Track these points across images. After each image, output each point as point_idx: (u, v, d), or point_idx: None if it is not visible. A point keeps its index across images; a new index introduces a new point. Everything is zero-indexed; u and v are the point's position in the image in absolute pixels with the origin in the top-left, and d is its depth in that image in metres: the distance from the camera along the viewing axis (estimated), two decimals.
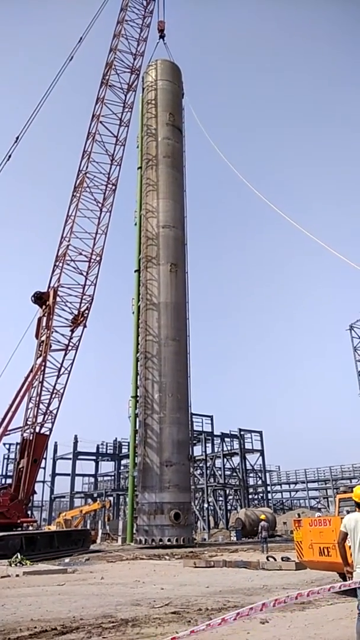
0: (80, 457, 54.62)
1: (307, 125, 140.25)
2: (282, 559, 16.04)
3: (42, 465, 51.43)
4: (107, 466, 61.66)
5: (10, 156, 27.75)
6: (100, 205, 30.42)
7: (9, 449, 59.39)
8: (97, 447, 57.36)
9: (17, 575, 13.94)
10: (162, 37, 39.23)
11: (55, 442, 54.54)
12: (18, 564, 15.49)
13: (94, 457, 58.11)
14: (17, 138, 28.34)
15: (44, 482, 54.16)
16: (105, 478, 62.54)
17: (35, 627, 6.96)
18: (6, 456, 60.83)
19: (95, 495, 53.17)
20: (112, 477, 58.65)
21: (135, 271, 32.12)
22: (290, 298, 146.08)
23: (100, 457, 58.66)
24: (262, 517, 23.17)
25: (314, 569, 12.65)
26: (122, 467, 55.58)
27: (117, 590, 11.10)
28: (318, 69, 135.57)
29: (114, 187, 31.23)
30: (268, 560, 16.19)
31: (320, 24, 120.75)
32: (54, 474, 55.27)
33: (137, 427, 28.60)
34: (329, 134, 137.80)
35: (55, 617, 7.82)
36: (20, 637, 6.48)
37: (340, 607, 9.03)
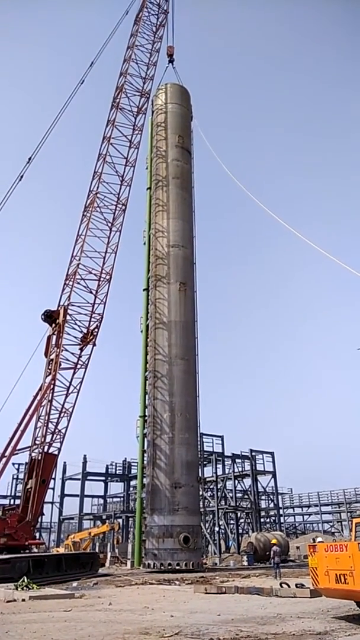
0: (89, 477, 54.02)
1: (318, 140, 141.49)
2: (296, 585, 15.48)
3: (51, 485, 50.94)
4: (116, 487, 60.86)
5: (22, 177, 28.21)
6: (110, 224, 30.71)
7: (18, 469, 59.00)
8: (107, 468, 56.70)
9: (23, 600, 13.57)
10: (171, 61, 40.31)
11: (64, 462, 54.20)
12: (24, 588, 15.12)
13: (103, 478, 57.43)
14: (30, 159, 28.85)
15: (52, 503, 53.54)
16: (115, 499, 61.66)
17: None
18: (15, 476, 60.36)
19: (104, 517, 52.33)
20: (122, 499, 57.80)
21: (144, 290, 32.21)
22: (297, 314, 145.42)
23: (109, 478, 57.96)
24: (274, 541, 22.49)
25: (329, 597, 12.15)
26: (131, 488, 54.78)
27: (125, 617, 10.72)
28: (328, 80, 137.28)
29: (123, 207, 31.57)
30: (281, 586, 15.64)
31: (333, 37, 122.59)
32: (62, 495, 54.65)
33: (146, 447, 28.22)
34: (343, 149, 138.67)
35: None
36: None
37: (357, 638, 8.59)
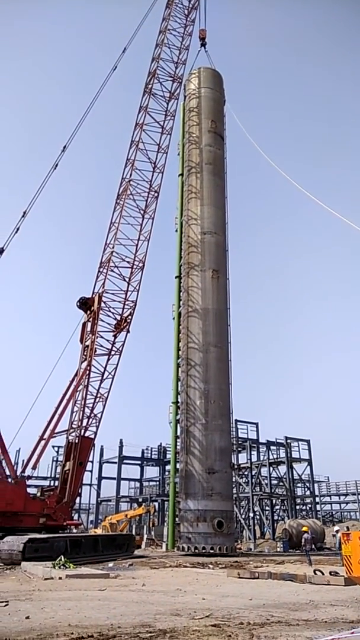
0: (125, 461, 55.13)
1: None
2: (330, 573, 15.34)
3: (89, 468, 52.37)
4: (152, 471, 61.90)
5: (57, 165, 28.65)
6: (142, 212, 30.75)
7: (57, 452, 60.81)
8: (142, 452, 57.67)
9: (60, 578, 14.04)
10: (203, 45, 39.59)
11: (102, 446, 55.46)
12: (61, 567, 15.62)
13: (139, 462, 58.46)
14: (65, 147, 29.29)
15: (90, 485, 55.04)
16: (151, 483, 62.74)
17: (72, 633, 6.88)
18: (55, 458, 62.25)
19: (140, 499, 53.39)
20: (157, 482, 58.75)
21: (176, 277, 32.18)
22: (335, 298, 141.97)
23: (145, 462, 58.94)
24: (305, 528, 22.30)
25: None
26: (166, 473, 55.50)
27: (158, 598, 10.91)
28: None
29: (156, 194, 31.51)
30: (315, 574, 15.53)
31: None
32: (100, 478, 56.01)
33: (179, 434, 28.47)
34: None
35: (94, 623, 7.72)
36: None
37: None
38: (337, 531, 21.02)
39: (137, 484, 61.18)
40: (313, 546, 21.49)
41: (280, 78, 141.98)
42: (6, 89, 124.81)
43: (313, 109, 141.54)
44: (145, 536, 35.51)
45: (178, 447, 28.39)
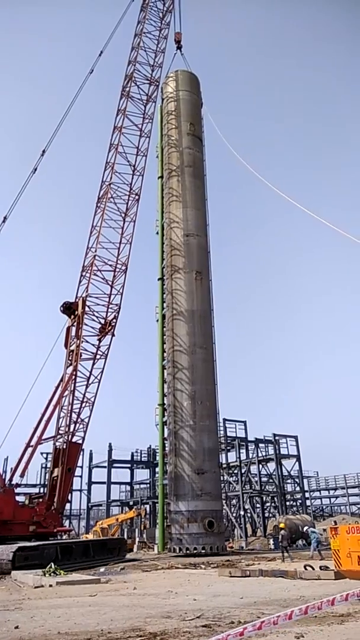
0: (115, 465, 54.92)
1: (329, 121, 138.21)
2: (320, 568, 15.50)
3: (78, 473, 52.05)
4: (142, 474, 61.79)
5: (36, 169, 28.48)
6: (123, 215, 30.70)
7: (46, 458, 60.29)
8: (132, 455, 57.51)
9: (51, 585, 13.93)
10: (179, 47, 39.80)
11: (91, 451, 55.15)
12: (52, 574, 15.51)
13: (128, 465, 58.28)
14: (43, 151, 29.11)
15: (80, 490, 54.70)
16: (142, 486, 62.60)
17: None
18: (44, 465, 61.71)
19: (131, 503, 53.23)
20: (148, 485, 58.63)
21: (158, 279, 32.24)
22: (321, 297, 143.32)
23: (135, 465, 58.78)
24: (282, 525, 22.56)
25: (353, 579, 12.13)
26: (156, 475, 55.42)
27: (149, 601, 10.90)
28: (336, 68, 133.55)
29: (137, 197, 31.50)
30: (306, 569, 15.67)
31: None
32: (90, 482, 55.71)
33: (167, 435, 28.50)
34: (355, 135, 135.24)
35: (83, 629, 7.69)
36: None
37: None
38: (312, 532, 21.49)
39: (128, 487, 60.99)
40: (301, 541, 21.74)
41: (255, 78, 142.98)
42: None
43: (291, 108, 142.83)
44: (137, 539, 35.42)
45: (166, 449, 28.41)
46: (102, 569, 19.22)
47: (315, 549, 21.06)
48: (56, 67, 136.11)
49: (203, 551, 24.57)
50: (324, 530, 40.88)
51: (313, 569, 15.60)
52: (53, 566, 16.36)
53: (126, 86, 33.59)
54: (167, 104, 36.10)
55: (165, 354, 30.07)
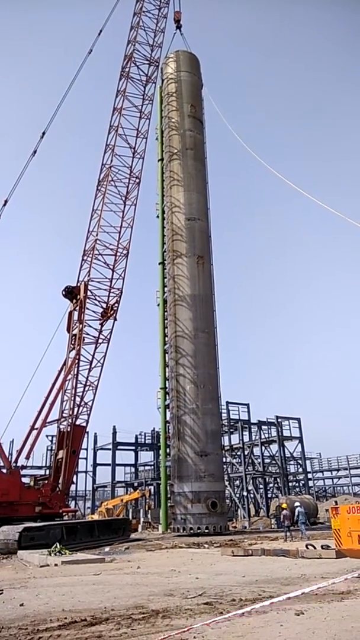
0: (119, 447, 55.48)
1: (328, 105, 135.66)
2: (322, 547, 15.69)
3: (84, 455, 52.67)
4: (146, 456, 62.46)
5: (35, 152, 28.19)
6: (124, 198, 30.44)
7: (51, 441, 60.94)
8: (136, 438, 58.09)
9: (56, 565, 14.20)
10: (178, 27, 38.90)
11: (95, 433, 55.73)
12: (57, 554, 15.80)
13: (133, 447, 58.90)
14: (43, 133, 28.76)
15: (86, 472, 55.40)
16: (146, 467, 63.34)
17: (66, 618, 6.99)
18: (49, 447, 62.43)
19: (135, 484, 53.91)
20: (152, 467, 59.29)
21: (159, 264, 32.09)
22: (317, 280, 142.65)
23: (139, 447, 59.39)
24: (284, 505, 22.74)
25: (353, 558, 12.29)
26: (160, 457, 55.99)
27: (152, 580, 11.10)
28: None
29: (137, 180, 31.21)
30: (307, 548, 15.88)
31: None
32: (95, 464, 56.41)
33: (169, 419, 28.73)
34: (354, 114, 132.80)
35: (87, 607, 7.84)
36: (49, 627, 6.51)
37: None
38: (296, 507, 21.45)
39: (133, 469, 61.73)
40: (307, 521, 21.90)
41: (255, 57, 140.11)
42: None
43: (292, 90, 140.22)
44: (141, 519, 35.98)
45: (169, 432, 28.65)
46: (106, 549, 19.56)
47: (301, 529, 21.01)
48: (54, 55, 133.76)
49: (206, 531, 24.96)
50: (326, 510, 41.40)
51: (315, 548, 15.81)
52: (58, 546, 16.67)
53: (125, 66, 33.00)
54: (167, 85, 35.44)
55: (167, 339, 30.10)
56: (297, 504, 22.33)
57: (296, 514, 20.94)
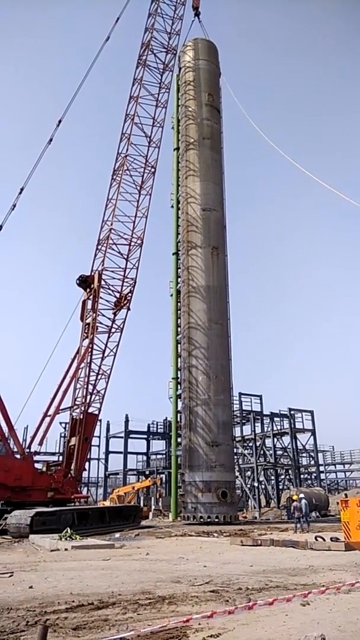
0: (132, 436, 56.00)
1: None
2: (331, 539, 15.68)
3: (96, 443, 53.24)
4: (158, 445, 62.96)
5: (52, 140, 28.20)
6: (139, 188, 30.32)
7: (65, 428, 61.68)
8: (148, 426, 58.51)
9: (66, 549, 14.44)
10: (197, 14, 38.38)
11: (108, 421, 56.26)
12: (68, 539, 16.04)
13: (145, 436, 59.37)
14: (59, 121, 28.76)
15: (98, 459, 56.05)
16: (158, 456, 63.88)
17: (73, 602, 7.10)
18: (63, 434, 63.22)
19: (147, 472, 54.42)
20: (164, 456, 59.74)
21: (173, 254, 32.02)
22: (333, 271, 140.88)
23: (151, 436, 59.85)
24: (295, 497, 22.70)
25: None
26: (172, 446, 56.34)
27: (160, 566, 11.21)
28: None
29: (153, 170, 31.01)
30: (317, 540, 15.88)
31: None
32: (107, 452, 57.01)
33: (181, 409, 28.85)
34: None
35: (95, 591, 7.96)
36: (57, 610, 6.62)
37: None
38: (301, 498, 21.28)
39: (145, 458, 62.28)
40: (315, 513, 21.85)
41: (273, 47, 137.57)
42: None
43: (309, 79, 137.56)
44: (152, 507, 36.32)
45: (180, 422, 28.80)
46: (117, 535, 19.80)
47: (303, 521, 20.86)
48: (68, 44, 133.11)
49: (216, 520, 25.16)
50: (337, 503, 41.34)
51: (324, 539, 15.80)
52: (69, 531, 16.91)
53: (142, 54, 32.69)
54: (184, 73, 35.09)
55: (179, 329, 30.13)
56: (301, 495, 22.23)
57: (302, 506, 20.87)
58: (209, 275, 29.93)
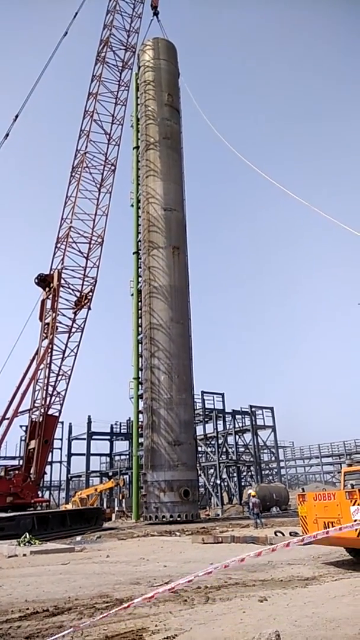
0: (94, 437, 55.28)
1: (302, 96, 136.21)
2: (290, 534, 15.96)
3: (58, 445, 52.29)
4: (121, 445, 62.45)
5: (8, 134, 27.38)
6: (99, 185, 29.97)
7: (25, 431, 60.25)
8: (111, 427, 57.93)
9: (24, 555, 14.08)
10: (155, 14, 38.33)
11: (70, 423, 55.34)
12: (27, 544, 15.66)
13: (108, 437, 58.78)
14: (16, 116, 27.93)
15: (60, 462, 55.09)
16: (122, 457, 63.40)
17: (28, 609, 6.91)
18: (23, 438, 61.74)
19: (110, 473, 53.90)
20: (127, 456, 59.35)
21: (133, 253, 31.85)
22: (293, 272, 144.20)
23: (114, 437, 59.30)
24: (252, 493, 23.05)
25: (319, 545, 12.53)
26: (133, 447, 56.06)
27: (120, 568, 11.10)
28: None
29: (113, 168, 30.74)
30: (276, 535, 16.14)
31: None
32: (69, 454, 56.07)
33: (143, 409, 28.72)
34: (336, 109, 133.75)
35: (51, 597, 7.79)
36: (9, 619, 6.42)
37: (344, 583, 8.82)
38: (249, 495, 21.74)
39: (108, 459, 61.67)
40: (275, 508, 22.25)
41: (232, 48, 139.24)
42: None
43: (271, 80, 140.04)
44: (116, 508, 36.00)
45: (142, 422, 28.67)
46: (78, 538, 19.51)
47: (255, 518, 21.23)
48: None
49: (179, 519, 25.18)
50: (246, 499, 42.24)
51: (283, 535, 16.08)
52: (28, 536, 16.52)
53: (101, 51, 32.28)
54: (144, 72, 34.91)
55: (141, 329, 29.98)
56: (251, 492, 22.53)
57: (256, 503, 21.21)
58: (171, 275, 29.94)
